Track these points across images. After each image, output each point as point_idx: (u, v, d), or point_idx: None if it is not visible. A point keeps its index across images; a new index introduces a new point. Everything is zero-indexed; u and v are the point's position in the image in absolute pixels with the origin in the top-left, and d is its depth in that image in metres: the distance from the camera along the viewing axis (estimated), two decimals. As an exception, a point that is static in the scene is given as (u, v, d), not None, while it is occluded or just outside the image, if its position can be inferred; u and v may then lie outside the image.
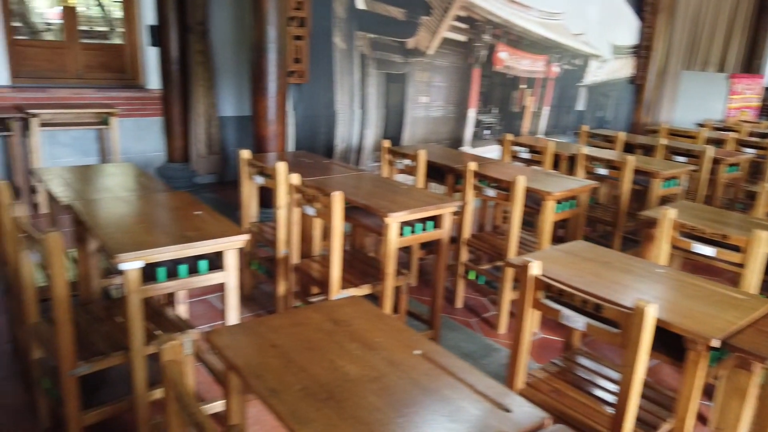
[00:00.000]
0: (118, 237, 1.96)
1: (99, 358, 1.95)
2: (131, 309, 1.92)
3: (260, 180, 3.18)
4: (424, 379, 1.25)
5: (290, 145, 4.57)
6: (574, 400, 1.92)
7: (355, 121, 4.87)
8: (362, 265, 2.98)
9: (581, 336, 2.37)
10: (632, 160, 3.83)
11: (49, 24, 8.46)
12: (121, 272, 2.61)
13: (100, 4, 7.10)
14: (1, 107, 4.68)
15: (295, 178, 2.76)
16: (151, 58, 5.45)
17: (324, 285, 2.72)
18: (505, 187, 3.12)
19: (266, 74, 4.10)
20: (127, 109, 5.26)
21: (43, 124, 4.61)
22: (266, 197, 4.35)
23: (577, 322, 1.70)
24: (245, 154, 3.27)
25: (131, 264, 1.88)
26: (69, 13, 5.11)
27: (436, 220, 2.79)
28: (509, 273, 3.19)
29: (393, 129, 5.22)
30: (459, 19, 5.37)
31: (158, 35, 5.37)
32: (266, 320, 1.48)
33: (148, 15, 5.34)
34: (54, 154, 5.04)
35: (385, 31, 4.85)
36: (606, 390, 2.01)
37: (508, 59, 6.00)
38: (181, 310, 2.65)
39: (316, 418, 1.10)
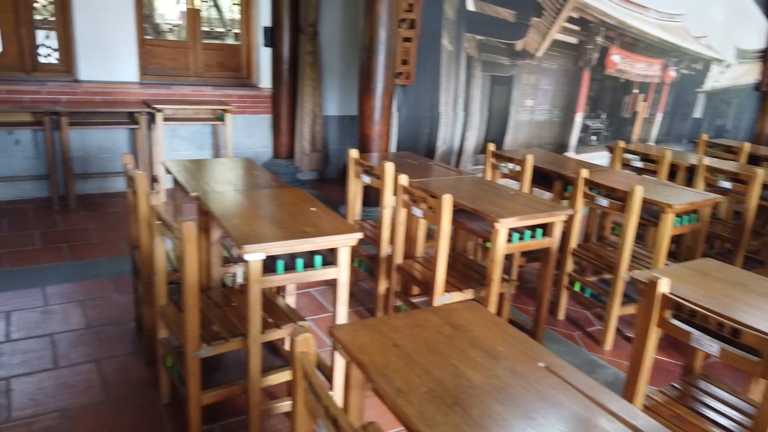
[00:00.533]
0: (243, 229, 2.06)
1: (220, 342, 2.07)
2: (251, 298, 2.01)
3: (367, 179, 3.24)
4: (551, 392, 1.22)
5: (392, 145, 4.62)
6: (698, 429, 1.79)
7: (458, 123, 4.84)
8: (465, 269, 2.95)
9: (703, 360, 2.21)
10: (762, 174, 3.53)
11: (170, 25, 9.07)
12: (238, 262, 2.76)
13: (217, 6, 7.54)
14: (131, 102, 5.08)
15: (404, 179, 2.78)
16: (264, 58, 5.71)
17: (426, 286, 2.72)
18: (620, 197, 2.98)
19: (374, 75, 4.17)
20: (239, 107, 5.54)
21: (166, 119, 4.96)
22: (368, 196, 4.43)
23: (711, 346, 1.58)
24: (354, 153, 3.34)
25: (255, 255, 1.97)
26: (193, 15, 5.46)
27: (545, 228, 2.71)
28: (619, 287, 3.04)
29: (495, 132, 5.13)
30: (571, 20, 5.19)
31: (272, 36, 5.62)
32: (386, 319, 1.50)
33: (263, 17, 5.60)
34: (173, 146, 5.41)
35: (493, 32, 4.78)
36: (733, 420, 1.86)
37: (621, 62, 5.73)
38: (290, 301, 2.75)
39: (443, 422, 1.10)
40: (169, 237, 2.07)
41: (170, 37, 8.10)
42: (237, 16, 6.00)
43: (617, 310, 3.09)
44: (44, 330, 2.89)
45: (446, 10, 4.52)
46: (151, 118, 4.91)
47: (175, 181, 2.90)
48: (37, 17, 4.77)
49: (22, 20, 4.66)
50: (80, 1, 4.73)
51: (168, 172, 2.97)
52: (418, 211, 2.67)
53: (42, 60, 4.85)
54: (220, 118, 5.31)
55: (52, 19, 4.86)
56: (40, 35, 4.80)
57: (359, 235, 2.15)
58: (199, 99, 5.40)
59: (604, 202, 3.07)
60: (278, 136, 5.91)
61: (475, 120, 4.94)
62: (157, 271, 2.23)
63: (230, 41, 5.75)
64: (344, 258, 2.18)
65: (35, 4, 4.73)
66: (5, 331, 2.86)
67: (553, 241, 2.71)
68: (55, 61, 4.91)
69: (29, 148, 4.80)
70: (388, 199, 3.06)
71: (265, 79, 5.77)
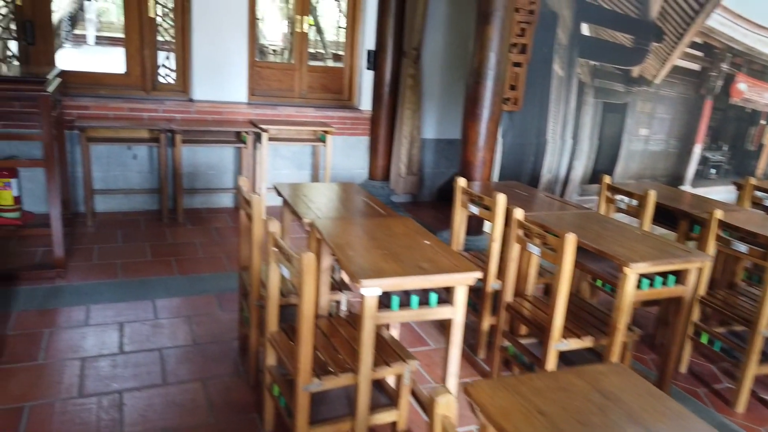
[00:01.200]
0: (359, 262, 2.00)
1: (330, 377, 2.00)
2: (365, 334, 1.93)
3: (475, 209, 3.11)
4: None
5: (495, 173, 4.46)
6: None
7: (566, 152, 4.62)
8: (580, 312, 2.74)
9: None
10: None
11: (274, 47, 9.42)
12: (343, 290, 2.71)
13: (319, 29, 7.74)
14: (239, 121, 5.26)
15: (519, 213, 2.63)
16: (365, 80, 5.74)
17: (539, 328, 2.55)
18: (762, 243, 2.67)
19: (482, 100, 4.05)
20: (339, 128, 5.59)
21: (271, 139, 5.08)
22: (468, 223, 4.29)
23: None
24: (461, 182, 3.23)
25: (372, 291, 1.89)
26: (300, 38, 5.60)
27: (678, 275, 2.46)
28: (758, 343, 2.71)
29: (605, 162, 4.85)
30: (694, 45, 4.84)
31: (375, 59, 5.65)
32: (526, 380, 1.36)
33: (368, 40, 5.64)
34: (275, 165, 5.53)
35: (608, 57, 4.54)
36: None
37: (748, 91, 5.27)
38: (394, 333, 2.66)
39: None
40: (284, 264, 2.04)
41: (272, 58, 8.41)
42: (339, 38, 6.11)
43: (754, 368, 2.75)
44: (154, 344, 2.97)
45: (559, 34, 4.34)
46: (257, 138, 5.05)
47: (284, 203, 2.91)
48: (158, 39, 5.05)
49: (146, 42, 4.96)
50: (199, 24, 4.97)
51: (279, 194, 2.99)
52: (534, 249, 2.51)
53: (161, 80, 5.13)
54: (321, 139, 5.38)
55: (172, 40, 5.13)
56: (161, 56, 5.08)
57: (479, 275, 2.03)
58: (302, 120, 5.51)
59: (742, 248, 2.76)
60: (375, 158, 5.91)
61: (584, 148, 4.69)
62: (270, 296, 2.21)
63: (330, 63, 5.84)
64: (461, 298, 2.06)
65: (159, 27, 5.01)
66: (119, 342, 2.97)
67: (687, 289, 2.46)
68: (173, 82, 5.18)
69: (144, 163, 5.06)
70: (498, 232, 2.92)
71: (365, 101, 5.81)
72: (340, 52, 6.22)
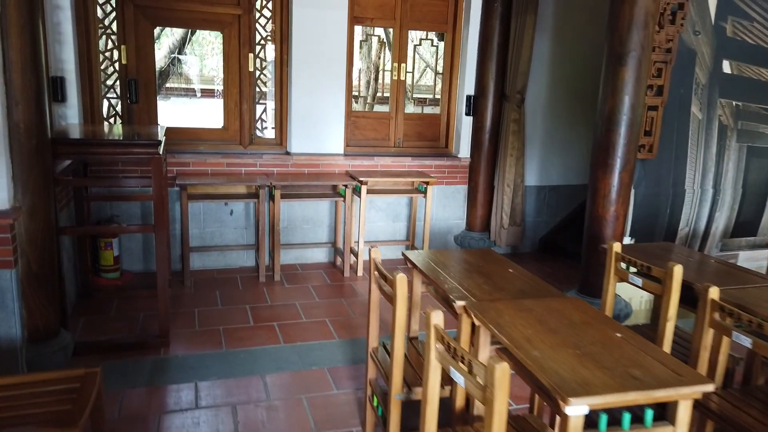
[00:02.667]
0: (551, 366, 1.61)
1: None
2: (567, 463, 1.52)
3: (637, 281, 2.65)
4: None
5: (626, 228, 3.98)
6: None
7: (705, 202, 4.09)
8: (789, 412, 2.22)
9: None
10: None
11: (361, 95, 9.34)
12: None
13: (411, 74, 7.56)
14: (335, 174, 5.04)
15: (714, 293, 2.17)
16: (464, 127, 5.43)
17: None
18: None
19: (614, 149, 3.62)
20: (436, 177, 5.27)
21: (369, 191, 4.82)
22: (589, 281, 3.81)
23: None
24: (616, 246, 2.79)
25: (579, 409, 1.49)
26: (398, 86, 5.37)
27: None
28: None
29: (750, 213, 4.28)
30: None
31: (475, 105, 5.34)
32: None
33: (467, 85, 5.35)
34: (370, 217, 5.26)
35: (754, 97, 4.03)
36: None
37: None
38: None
39: None
40: (456, 368, 1.67)
41: (357, 105, 8.31)
42: (425, 81, 5.85)
43: None
44: (272, 433, 2.66)
45: (697, 73, 3.89)
46: (354, 190, 4.80)
47: (413, 269, 2.58)
48: (256, 91, 4.94)
49: (244, 97, 4.85)
50: (298, 75, 4.83)
51: (408, 263, 2.66)
52: (744, 340, 2.03)
53: (258, 134, 5.00)
54: (420, 190, 5.07)
55: (271, 93, 5.01)
56: (258, 110, 4.96)
57: (710, 387, 1.59)
58: (399, 170, 5.23)
59: None
60: (473, 208, 5.54)
61: (727, 198, 4.14)
62: (428, 404, 1.84)
63: (428, 110, 5.58)
64: (684, 414, 1.62)
65: (259, 83, 4.91)
66: (234, 429, 2.67)
67: None
68: (270, 135, 5.04)
69: (240, 219, 4.90)
70: (673, 311, 2.45)
71: (463, 148, 5.48)
72: (424, 95, 5.97)
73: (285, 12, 4.80)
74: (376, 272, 2.43)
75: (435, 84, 5.63)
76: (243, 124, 4.91)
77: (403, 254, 2.75)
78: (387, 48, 9.65)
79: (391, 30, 5.45)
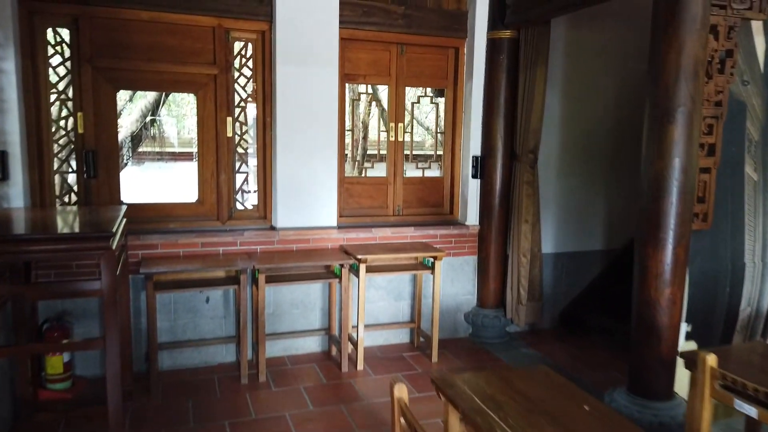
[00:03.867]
0: None
1: None
2: None
3: (751, 411, 1.98)
4: None
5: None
6: None
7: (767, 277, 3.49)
8: None
9: None
10: None
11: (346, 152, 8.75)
12: None
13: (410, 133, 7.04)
14: (328, 250, 4.38)
15: None
16: (471, 191, 4.85)
17: None
18: None
19: (665, 221, 3.04)
20: (442, 249, 4.63)
21: (368, 270, 4.16)
22: (649, 380, 3.15)
23: None
24: (710, 360, 2.13)
25: None
26: (395, 147, 4.80)
27: None
28: None
29: (815, 286, 3.68)
30: None
31: (482, 166, 4.78)
32: None
33: (473, 145, 4.80)
34: (369, 297, 4.58)
35: (813, 153, 3.51)
36: None
37: None
38: None
39: None
40: None
41: (347, 167, 7.73)
42: (425, 140, 5.30)
43: None
44: None
45: (749, 128, 3.36)
46: (351, 269, 4.13)
47: (449, 405, 1.89)
48: (236, 159, 4.32)
49: (222, 166, 4.23)
50: (283, 140, 4.22)
51: (440, 395, 1.97)
52: None
53: (239, 206, 4.35)
54: (426, 265, 4.42)
55: (252, 160, 4.40)
56: (239, 179, 4.33)
57: None
58: (401, 243, 4.59)
59: None
60: (485, 282, 4.89)
61: (791, 271, 3.55)
62: None
63: (430, 173, 5.00)
64: None
65: (239, 149, 4.30)
66: None
67: None
68: (251, 207, 4.39)
69: (218, 307, 4.19)
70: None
71: (471, 215, 4.88)
72: (426, 152, 5.40)
73: (268, 70, 4.24)
74: (402, 419, 1.74)
75: (436, 144, 5.07)
76: (221, 196, 4.26)
77: (433, 382, 2.05)
78: (376, 103, 9.22)
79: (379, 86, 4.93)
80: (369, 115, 9.51)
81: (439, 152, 5.10)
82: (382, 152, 4.90)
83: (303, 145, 4.27)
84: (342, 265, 4.08)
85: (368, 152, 9.45)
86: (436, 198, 5.01)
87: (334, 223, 4.45)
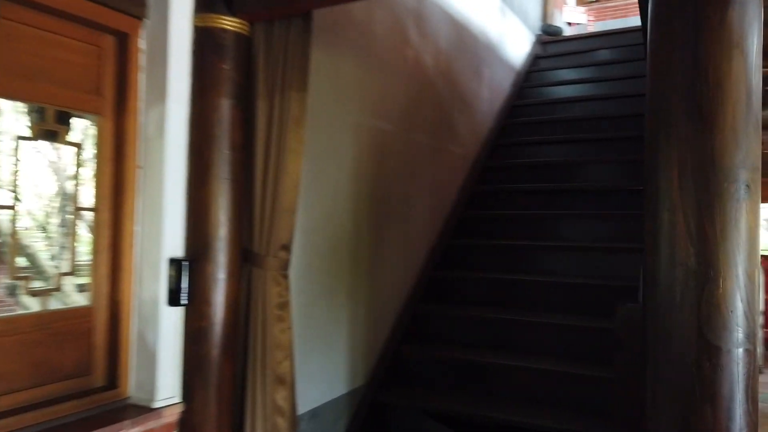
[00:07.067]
0: None
1: None
2: None
3: None
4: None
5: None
6: None
7: None
8: None
9: None
10: None
11: None
12: None
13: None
14: None
15: None
16: (164, 332, 2.30)
17: None
18: None
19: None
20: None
21: None
22: None
23: None
24: None
25: None
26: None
27: None
28: None
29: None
30: None
31: (188, 280, 2.33)
32: None
33: (167, 239, 2.31)
34: None
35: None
36: None
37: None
38: None
39: None
40: None
41: None
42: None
43: None
44: None
45: None
46: None
47: None
48: None
49: None
50: None
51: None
52: None
53: None
54: None
55: None
56: None
57: None
58: None
59: None
60: None
61: None
62: None
63: (54, 303, 2.19)
64: None
65: None
66: None
67: None
68: None
69: None
70: None
71: (164, 382, 2.32)
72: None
73: None
74: None
75: (73, 239, 2.20)
76: None
77: None
78: None
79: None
80: None
81: (81, 258, 2.32)
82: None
83: None
84: None
85: None
86: (74, 356, 2.22)
87: None
